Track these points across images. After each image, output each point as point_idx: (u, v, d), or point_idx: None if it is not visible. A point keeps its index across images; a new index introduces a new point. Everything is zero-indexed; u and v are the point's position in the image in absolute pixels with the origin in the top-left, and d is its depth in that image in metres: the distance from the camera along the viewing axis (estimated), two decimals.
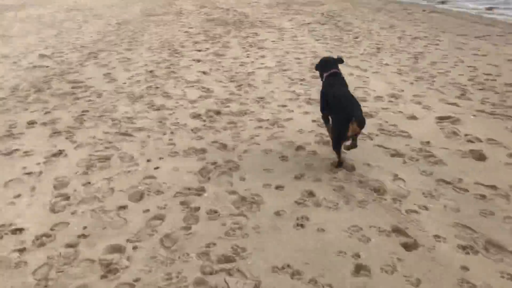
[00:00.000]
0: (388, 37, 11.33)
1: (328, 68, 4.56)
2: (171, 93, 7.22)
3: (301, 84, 7.52)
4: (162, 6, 22.26)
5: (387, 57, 9.26)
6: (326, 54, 9.20)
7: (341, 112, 4.12)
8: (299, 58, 9.33)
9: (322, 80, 4.66)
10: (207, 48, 10.72)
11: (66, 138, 5.53)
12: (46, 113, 6.52)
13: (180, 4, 22.94)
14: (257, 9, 18.59)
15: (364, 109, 4.44)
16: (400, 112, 6.03)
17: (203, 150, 5.06)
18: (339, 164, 4.43)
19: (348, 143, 4.32)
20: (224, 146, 5.18)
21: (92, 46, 11.55)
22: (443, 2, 19.36)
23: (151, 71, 8.70)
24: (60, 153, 5.10)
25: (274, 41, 11.32)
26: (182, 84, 7.75)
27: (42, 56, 10.49)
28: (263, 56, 9.65)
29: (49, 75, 8.75)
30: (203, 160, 4.84)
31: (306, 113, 6.14)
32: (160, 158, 4.89)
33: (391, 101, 6.44)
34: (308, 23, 14.18)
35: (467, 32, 11.87)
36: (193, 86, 7.63)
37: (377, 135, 5.35)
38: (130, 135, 5.55)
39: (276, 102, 6.64)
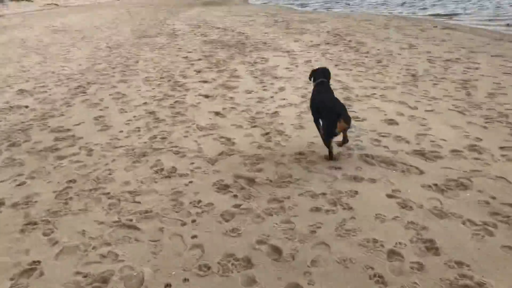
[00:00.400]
0: (415, 60, 9.69)
1: (317, 78, 5.08)
2: (183, 147, 5.43)
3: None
4: (153, 26, 20.53)
5: (430, 87, 7.60)
6: (355, 84, 7.57)
7: (328, 113, 4.51)
8: None
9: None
10: (214, 79, 8.97)
11: (44, 235, 3.69)
12: (19, 184, 4.68)
13: (172, 23, 21.25)
14: (255, 28, 16.92)
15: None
16: (502, 177, 4.29)
17: (247, 262, 3.24)
18: (331, 157, 4.77)
19: (339, 139, 4.80)
20: (276, 252, 3.36)
21: (80, 78, 9.73)
22: (450, 17, 17.86)
23: (152, 113, 6.92)
24: (33, 269, 3.25)
25: (288, 68, 9.61)
26: (194, 132, 5.97)
27: (21, 92, 8.63)
28: (282, 89, 7.92)
29: (28, 119, 6.93)
30: (250, 286, 3.02)
31: (373, 180, 4.37)
32: (185, 280, 3.07)
33: (477, 159, 4.71)
34: (318, 44, 12.51)
35: (502, 52, 10.27)
36: (208, 134, 5.86)
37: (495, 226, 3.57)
38: (134, 227, 3.73)
39: (325, 163, 4.86)
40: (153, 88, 8.50)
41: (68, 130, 6.36)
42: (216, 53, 12.10)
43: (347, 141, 4.76)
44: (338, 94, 7.20)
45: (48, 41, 16.68)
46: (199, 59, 11.29)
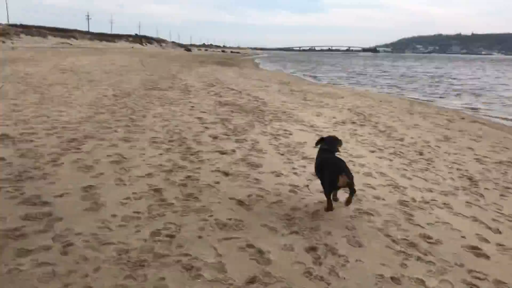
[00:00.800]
0: (461, 158, 8.17)
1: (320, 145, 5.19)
2: (197, 259, 3.68)
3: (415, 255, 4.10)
4: (165, 78, 19.27)
5: (497, 198, 6.05)
6: (404, 182, 6.03)
7: (330, 167, 4.61)
8: (371, 186, 5.99)
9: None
10: (233, 151, 7.36)
11: None
12: None
13: (185, 78, 20.03)
14: (272, 95, 15.64)
15: None
16: None
17: None
18: (329, 208, 4.77)
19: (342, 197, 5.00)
20: None
21: (77, 128, 8.12)
22: (473, 109, 16.68)
23: (158, 191, 5.22)
24: None
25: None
26: (212, 231, 4.28)
27: (2, 138, 6.93)
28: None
29: None
30: None
31: None
32: None
33: None
34: (343, 122, 11.08)
35: None
36: (231, 238, 4.14)
37: None
38: None
39: None
40: (160, 154, 6.86)
41: (46, 204, 4.63)
42: (233, 117, 10.60)
43: (354, 191, 4.65)
44: (389, 194, 5.58)
45: (52, 79, 15.27)
46: (215, 122, 9.75)
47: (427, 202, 5.57)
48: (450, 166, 7.50)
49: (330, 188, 4.65)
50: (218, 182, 5.72)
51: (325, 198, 4.85)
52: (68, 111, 9.92)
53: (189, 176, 5.88)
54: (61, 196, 4.90)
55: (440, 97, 20.97)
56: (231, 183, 5.73)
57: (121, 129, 8.50)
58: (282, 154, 7.41)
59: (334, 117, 11.95)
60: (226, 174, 6.12)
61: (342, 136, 9.10)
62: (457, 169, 7.40)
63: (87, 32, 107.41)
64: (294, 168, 6.62)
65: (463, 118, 14.00)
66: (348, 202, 4.67)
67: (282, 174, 6.31)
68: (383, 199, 5.52)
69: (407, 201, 5.51)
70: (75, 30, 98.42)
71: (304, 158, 7.26)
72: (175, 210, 4.71)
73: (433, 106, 17.29)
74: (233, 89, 17.10)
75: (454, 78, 36.84)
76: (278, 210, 4.91)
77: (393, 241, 4.33)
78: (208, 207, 4.85)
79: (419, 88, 26.00)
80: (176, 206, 4.82)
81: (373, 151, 8.21)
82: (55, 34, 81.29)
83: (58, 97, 11.71)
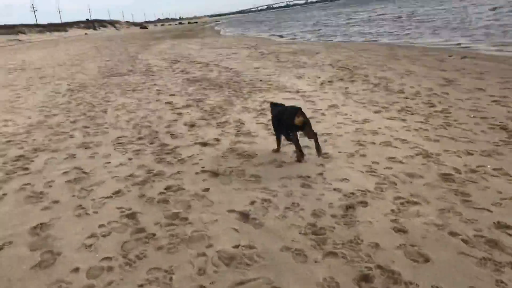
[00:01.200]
0: (476, 103, 7.03)
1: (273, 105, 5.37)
2: None
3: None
4: (124, 62, 17.45)
5: None
6: (435, 147, 4.81)
7: (286, 113, 4.76)
8: (397, 160, 4.74)
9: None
10: (217, 140, 6.00)
11: None
12: None
13: (145, 58, 18.23)
14: (242, 63, 14.13)
15: None
16: None
17: None
18: (301, 156, 4.86)
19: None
20: None
21: (25, 140, 6.66)
22: (457, 45, 15.54)
23: (131, 216, 3.87)
24: None
25: (313, 117, 6.68)
26: (219, 275, 2.93)
27: None
28: (329, 157, 4.95)
29: None
30: None
31: None
32: None
33: None
34: (330, 81, 9.77)
35: None
36: (248, 280, 2.84)
37: None
38: None
39: None
40: (129, 159, 5.44)
41: None
42: (207, 96, 9.14)
43: (315, 134, 4.76)
44: (423, 167, 4.34)
45: None
46: (188, 106, 8.30)
47: (475, 171, 4.35)
48: (472, 116, 6.31)
49: (290, 128, 4.71)
50: (207, 189, 4.37)
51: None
52: (14, 119, 8.30)
53: (169, 187, 4.51)
54: (1, 247, 3.47)
55: (419, 37, 19.71)
56: (225, 187, 4.37)
57: (78, 132, 6.98)
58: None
59: (318, 77, 10.61)
60: (216, 174, 4.75)
61: (336, 98, 7.82)
62: (481, 117, 6.20)
63: (36, 25, 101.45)
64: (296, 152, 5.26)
65: (451, 56, 12.82)
66: (318, 149, 4.74)
67: (285, 162, 4.96)
68: (421, 177, 4.27)
69: (450, 175, 4.28)
70: (22, 25, 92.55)
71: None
72: (159, 246, 3.36)
73: (415, 48, 16.06)
74: (199, 62, 15.50)
75: (424, 16, 35.60)
76: (297, 220, 3.59)
77: (465, 241, 3.08)
78: (203, 232, 3.50)
79: (390, 31, 24.72)
80: (159, 238, 3.46)
81: (378, 111, 6.95)
82: (1, 32, 76.25)
83: (3, 103, 10.00)
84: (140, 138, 6.40)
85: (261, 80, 10.65)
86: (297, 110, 4.63)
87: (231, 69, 13.19)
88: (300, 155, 4.85)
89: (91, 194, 4.47)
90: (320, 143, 4.82)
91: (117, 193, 4.45)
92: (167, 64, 15.89)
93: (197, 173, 4.84)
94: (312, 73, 11.18)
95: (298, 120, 4.59)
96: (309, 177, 4.48)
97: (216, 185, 4.44)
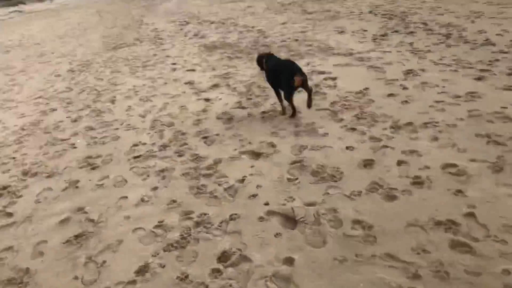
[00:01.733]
0: None
1: (266, 58, 4.93)
2: None
3: None
4: (129, 28, 15.30)
5: None
6: None
7: (284, 71, 4.46)
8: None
9: (264, 68, 4.94)
10: (272, 145, 4.11)
11: None
12: None
13: (151, 22, 16.00)
14: (264, 19, 11.91)
15: None
16: None
17: None
18: (294, 113, 4.65)
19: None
20: None
21: (13, 156, 4.90)
22: None
23: None
24: None
25: (392, 94, 4.68)
26: None
27: None
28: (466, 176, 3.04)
29: None
30: None
31: None
32: None
33: None
34: (382, 35, 7.73)
35: None
36: None
37: None
38: None
39: None
40: (153, 189, 3.59)
41: None
42: (235, 68, 7.15)
43: (311, 96, 4.58)
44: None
45: None
46: (214, 85, 6.37)
47: None
48: None
49: (289, 90, 4.48)
50: (291, 261, 2.50)
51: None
52: (4, 120, 6.49)
53: (224, 254, 2.65)
54: None
55: None
56: (319, 255, 2.52)
57: (81, 138, 5.14)
58: (353, 129, 4.11)
59: (364, 30, 8.47)
60: (293, 221, 2.88)
61: (406, 59, 5.81)
62: None
63: None
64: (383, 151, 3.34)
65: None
66: (309, 104, 4.57)
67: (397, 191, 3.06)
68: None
69: None
70: None
71: (393, 127, 3.96)
72: None
73: None
74: (213, 22, 13.28)
75: None
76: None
77: None
78: None
79: None
80: None
81: (480, 78, 5.00)
82: (2, 4, 73.18)
83: None
84: (163, 146, 4.54)
85: (296, 40, 8.54)
86: (293, 70, 4.37)
87: (253, 27, 11.01)
88: (293, 112, 4.67)
89: (102, 273, 2.66)
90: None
91: (143, 269, 2.62)
92: (176, 27, 13.70)
93: (260, 219, 2.96)
94: (354, 26, 9.02)
95: (297, 80, 4.33)
96: None
97: (301, 249, 2.57)
